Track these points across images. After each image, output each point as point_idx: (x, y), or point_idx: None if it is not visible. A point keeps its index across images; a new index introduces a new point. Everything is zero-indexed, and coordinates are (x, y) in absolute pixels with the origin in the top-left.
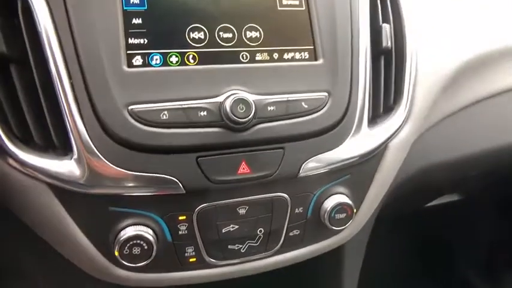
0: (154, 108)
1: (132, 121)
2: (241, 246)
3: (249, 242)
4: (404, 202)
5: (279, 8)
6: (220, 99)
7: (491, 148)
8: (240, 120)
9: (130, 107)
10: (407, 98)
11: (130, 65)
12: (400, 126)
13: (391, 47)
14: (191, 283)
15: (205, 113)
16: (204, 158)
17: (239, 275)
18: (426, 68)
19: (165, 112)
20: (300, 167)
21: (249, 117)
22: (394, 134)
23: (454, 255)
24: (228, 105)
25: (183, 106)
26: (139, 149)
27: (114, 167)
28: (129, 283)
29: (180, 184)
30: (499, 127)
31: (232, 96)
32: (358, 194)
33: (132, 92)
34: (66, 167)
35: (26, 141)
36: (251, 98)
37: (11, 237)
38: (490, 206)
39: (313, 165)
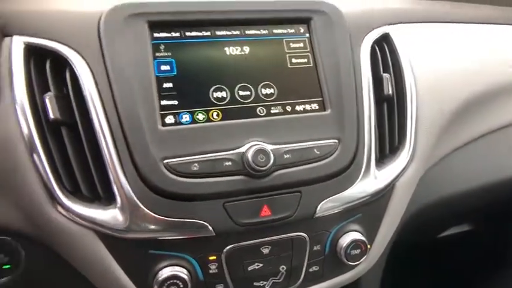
0: (186, 161)
1: (167, 173)
2: (265, 282)
3: (272, 279)
4: (416, 234)
5: (289, 66)
6: (242, 150)
7: (493, 182)
8: (261, 168)
9: (165, 161)
10: (411, 140)
11: (163, 123)
12: (405, 166)
13: (393, 94)
14: None
15: (229, 163)
16: (230, 204)
17: None
18: (426, 111)
19: (196, 164)
20: (316, 208)
21: (269, 165)
22: (400, 173)
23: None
24: (250, 155)
25: (211, 158)
26: (174, 198)
27: (152, 214)
28: None
29: (210, 227)
30: (498, 162)
31: (253, 148)
32: (371, 231)
33: (166, 147)
34: (111, 215)
35: (75, 192)
36: (269, 147)
37: (53, 275)
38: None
39: (328, 206)
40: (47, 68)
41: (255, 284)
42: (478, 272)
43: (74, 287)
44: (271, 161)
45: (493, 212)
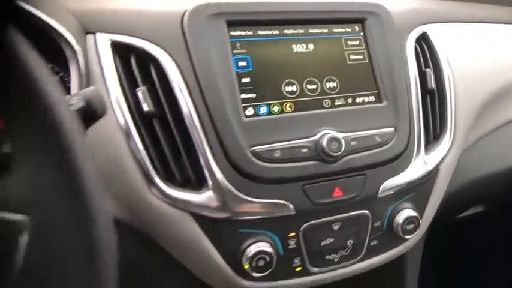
0: (269, 148)
1: (254, 159)
2: (335, 255)
3: (341, 252)
4: (443, 213)
5: (348, 62)
6: (316, 137)
7: None
8: (334, 154)
9: (251, 148)
10: (451, 128)
11: (245, 115)
12: (447, 151)
13: (435, 88)
14: None
15: (306, 150)
16: (307, 186)
17: (331, 280)
18: (462, 102)
19: (278, 151)
20: (378, 188)
21: (341, 151)
22: (443, 158)
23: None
24: (324, 142)
25: (290, 145)
26: (260, 181)
27: (242, 196)
28: None
29: (291, 207)
30: None
31: (326, 136)
32: (421, 208)
33: (251, 136)
34: (204, 197)
35: (169, 178)
36: (340, 135)
37: (150, 264)
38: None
39: (387, 187)
40: (132, 64)
41: (326, 257)
42: (490, 253)
43: (169, 275)
44: (343, 148)
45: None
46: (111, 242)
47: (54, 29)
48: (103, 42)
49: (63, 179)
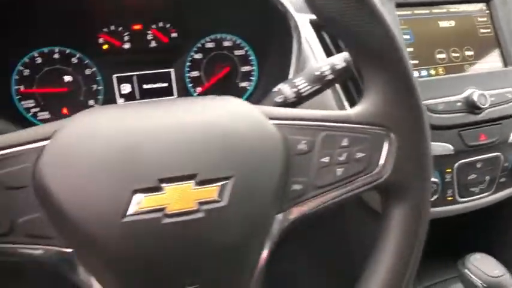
0: (435, 102)
1: (428, 112)
2: (476, 188)
3: (480, 186)
4: None
5: (479, 35)
6: (466, 94)
7: None
8: (482, 106)
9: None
10: None
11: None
12: None
13: None
14: (443, 216)
15: (460, 103)
16: (462, 132)
17: (471, 210)
18: None
19: (441, 105)
20: (510, 135)
21: (486, 105)
22: None
23: None
24: (475, 97)
25: (448, 100)
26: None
27: None
28: None
29: (451, 147)
30: None
31: (476, 93)
32: None
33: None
34: None
35: None
36: (486, 93)
37: None
38: None
39: None
40: (325, 37)
41: (470, 189)
42: None
43: None
44: (488, 103)
45: None
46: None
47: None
48: (304, 21)
49: (408, 101)
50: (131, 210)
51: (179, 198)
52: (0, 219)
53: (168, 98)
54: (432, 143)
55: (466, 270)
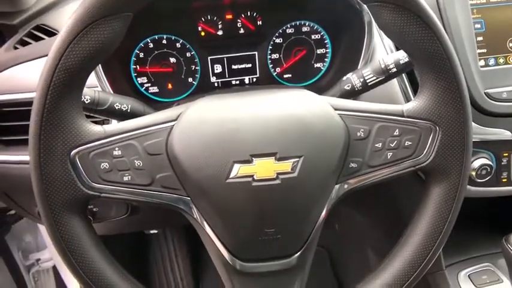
0: (498, 91)
1: (487, 99)
2: None
3: None
4: None
5: None
6: None
7: None
8: None
9: (486, 90)
10: None
11: (479, 65)
12: None
13: None
14: (496, 195)
15: None
16: None
17: None
18: None
19: (504, 93)
20: None
21: None
22: None
23: None
24: None
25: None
26: (490, 115)
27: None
28: None
29: (510, 134)
30: None
31: None
32: None
33: (485, 81)
34: None
35: None
36: None
37: None
38: None
39: None
40: None
41: None
42: None
43: None
44: None
45: None
46: None
47: None
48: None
49: (456, 103)
50: (231, 174)
51: (264, 169)
52: (144, 175)
53: (257, 87)
54: (491, 128)
55: (510, 247)
